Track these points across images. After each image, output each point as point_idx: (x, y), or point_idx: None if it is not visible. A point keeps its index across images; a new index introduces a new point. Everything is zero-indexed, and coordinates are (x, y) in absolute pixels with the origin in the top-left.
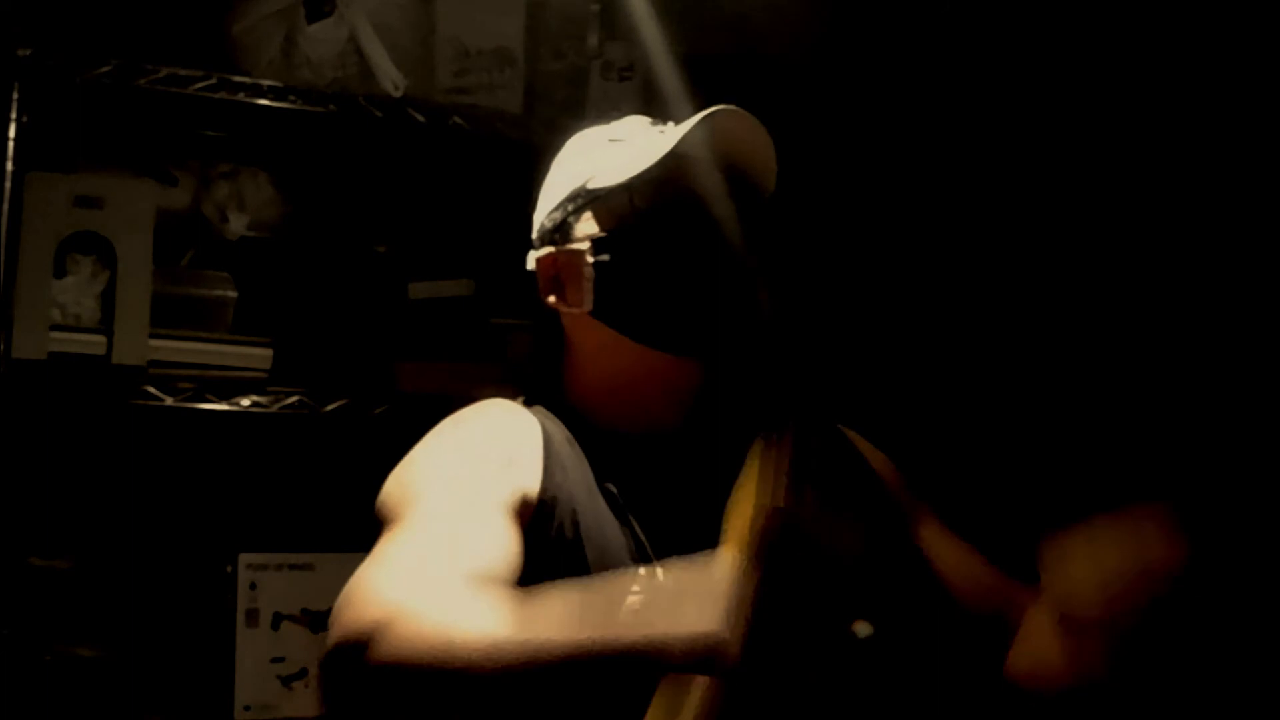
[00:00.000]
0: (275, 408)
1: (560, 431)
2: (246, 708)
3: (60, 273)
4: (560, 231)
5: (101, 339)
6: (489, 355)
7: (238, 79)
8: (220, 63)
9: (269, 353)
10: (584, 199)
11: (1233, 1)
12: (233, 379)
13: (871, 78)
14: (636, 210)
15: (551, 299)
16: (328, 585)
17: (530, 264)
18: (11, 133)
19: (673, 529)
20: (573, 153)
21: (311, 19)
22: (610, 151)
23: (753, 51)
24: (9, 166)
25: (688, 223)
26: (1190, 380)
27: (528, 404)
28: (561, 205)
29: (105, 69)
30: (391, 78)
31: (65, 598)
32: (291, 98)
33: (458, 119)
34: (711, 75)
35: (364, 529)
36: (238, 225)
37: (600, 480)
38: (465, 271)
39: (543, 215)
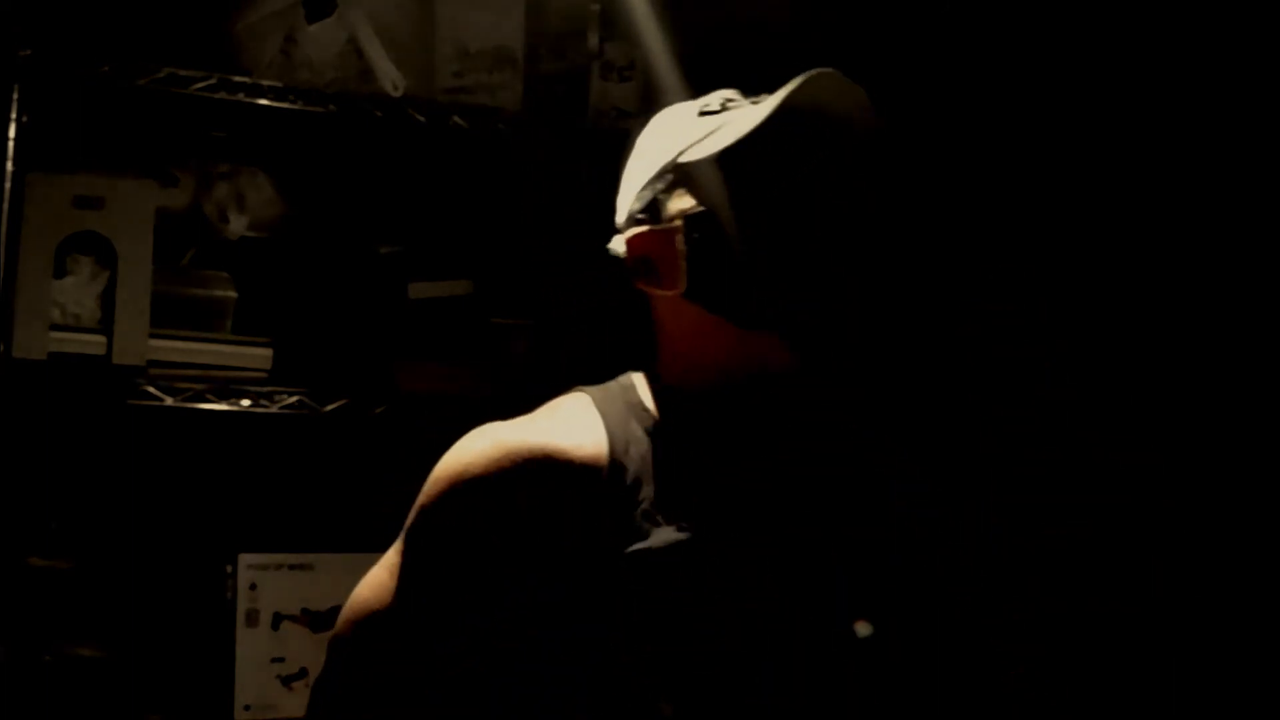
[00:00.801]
0: (275, 408)
1: (636, 433)
2: (246, 708)
3: (60, 273)
4: (649, 211)
5: (101, 339)
6: (489, 355)
7: (238, 79)
8: (220, 63)
9: (269, 353)
10: (675, 174)
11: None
12: (233, 379)
13: (873, 77)
14: (733, 183)
15: (642, 282)
16: (328, 585)
17: (618, 248)
18: (11, 133)
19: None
20: (660, 128)
21: (311, 19)
22: (702, 124)
23: (753, 52)
24: (9, 166)
25: (791, 194)
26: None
27: (608, 399)
28: (650, 184)
29: (105, 69)
30: (391, 78)
31: (65, 598)
32: (291, 98)
33: (458, 119)
34: (712, 75)
35: (364, 529)
36: (238, 225)
37: (682, 447)
38: (465, 271)
39: (630, 196)
